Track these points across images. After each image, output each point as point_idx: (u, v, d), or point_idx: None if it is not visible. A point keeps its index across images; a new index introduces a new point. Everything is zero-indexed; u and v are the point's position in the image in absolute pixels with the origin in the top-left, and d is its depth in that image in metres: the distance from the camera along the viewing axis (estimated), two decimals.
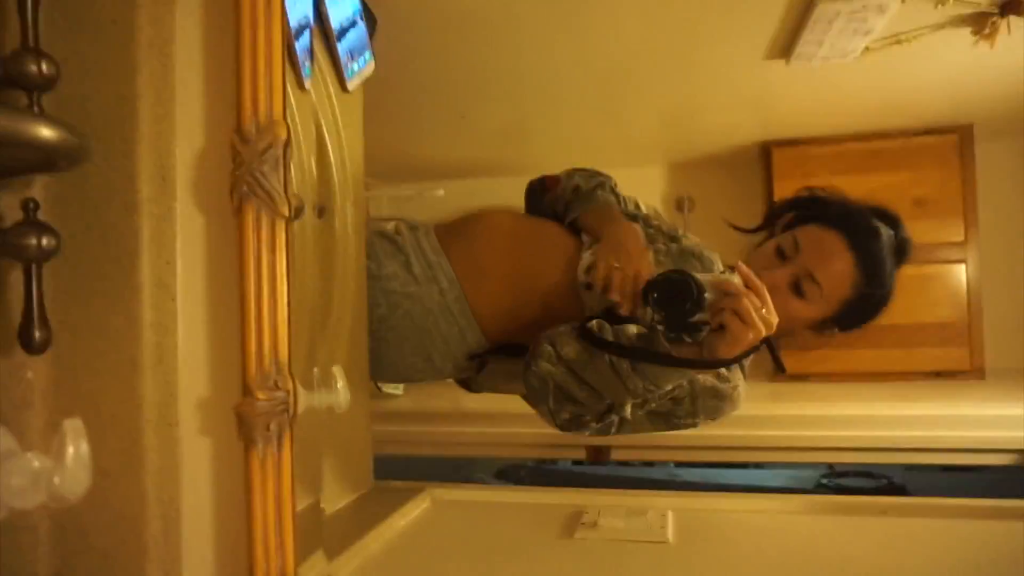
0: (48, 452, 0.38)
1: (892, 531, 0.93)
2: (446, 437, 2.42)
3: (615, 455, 2.42)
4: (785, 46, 1.74)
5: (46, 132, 0.40)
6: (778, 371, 1.04)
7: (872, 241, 0.97)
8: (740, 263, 0.87)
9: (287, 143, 0.51)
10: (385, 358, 1.08)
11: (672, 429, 1.02)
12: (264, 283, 0.49)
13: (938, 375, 2.57)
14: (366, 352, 1.00)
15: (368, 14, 1.09)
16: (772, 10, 1.58)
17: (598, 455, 2.38)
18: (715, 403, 0.99)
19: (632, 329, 0.93)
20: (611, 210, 1.10)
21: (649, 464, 2.85)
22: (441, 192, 2.83)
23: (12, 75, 0.44)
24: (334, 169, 0.95)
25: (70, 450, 0.37)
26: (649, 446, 2.31)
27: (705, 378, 0.97)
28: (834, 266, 0.96)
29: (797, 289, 0.96)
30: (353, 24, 1.03)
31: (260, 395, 0.49)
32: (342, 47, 1.00)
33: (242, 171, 0.49)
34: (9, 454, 0.38)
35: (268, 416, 0.49)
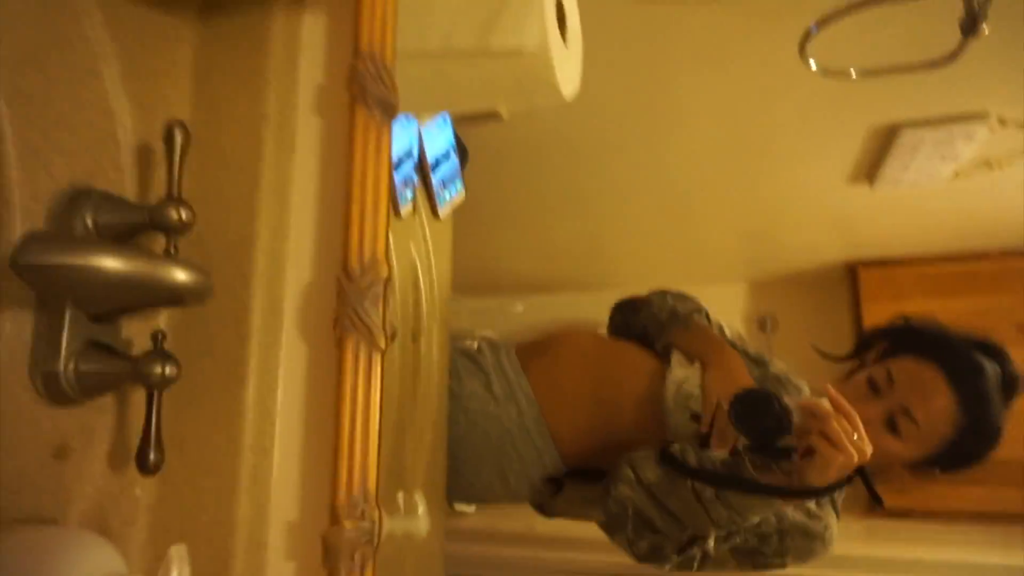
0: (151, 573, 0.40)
1: None
2: (518, 561, 2.34)
3: None
4: (869, 170, 1.74)
5: (181, 276, 0.44)
6: (876, 505, 0.98)
7: (975, 376, 0.91)
8: (828, 385, 0.85)
9: (388, 280, 0.54)
10: (461, 477, 1.08)
11: (758, 569, 0.97)
12: (359, 413, 0.52)
13: None
14: (444, 472, 1.00)
15: (461, 147, 1.17)
16: (854, 135, 1.60)
17: None
18: (805, 543, 0.94)
19: (718, 456, 0.91)
20: (713, 336, 1.09)
21: None
22: (520, 308, 2.88)
23: (156, 221, 0.50)
24: (423, 292, 1.00)
25: (174, 575, 0.39)
26: None
27: (794, 515, 0.92)
28: (933, 403, 0.91)
29: (892, 426, 0.91)
30: (447, 156, 1.11)
31: (347, 524, 0.50)
32: (436, 177, 1.07)
33: (346, 307, 0.53)
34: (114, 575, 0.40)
35: (354, 546, 0.50)
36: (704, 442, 0.93)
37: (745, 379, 1.01)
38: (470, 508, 2.53)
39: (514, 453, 1.07)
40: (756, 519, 0.88)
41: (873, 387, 0.94)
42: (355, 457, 0.51)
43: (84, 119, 0.54)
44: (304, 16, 0.64)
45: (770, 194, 2.04)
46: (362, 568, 0.51)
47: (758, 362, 1.07)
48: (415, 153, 1.02)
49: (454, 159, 1.13)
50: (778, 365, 1.08)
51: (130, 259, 0.42)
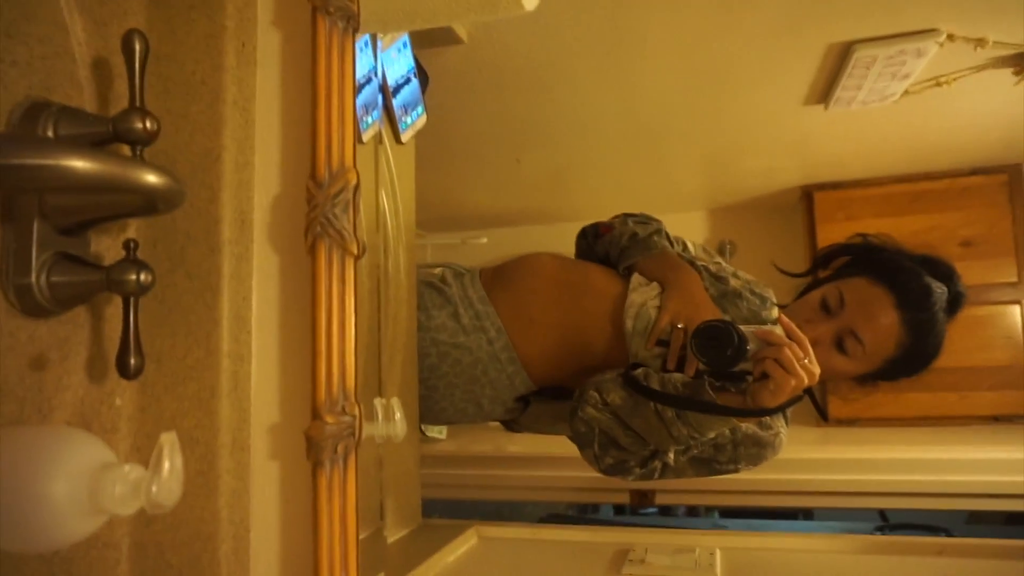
0: (144, 463, 0.42)
1: (950, 573, 0.91)
2: (489, 480, 2.42)
3: (659, 499, 2.39)
4: (823, 92, 1.77)
5: (152, 178, 0.45)
6: (821, 419, 1.04)
7: (923, 301, 0.95)
8: (782, 315, 0.89)
9: (356, 187, 0.55)
10: (435, 404, 1.12)
11: (713, 475, 1.03)
12: (334, 315, 0.54)
13: (996, 419, 2.49)
14: (416, 390, 1.04)
15: (421, 71, 1.16)
16: (809, 57, 1.61)
17: (642, 500, 2.36)
18: (756, 450, 1.00)
19: (678, 377, 0.95)
20: (672, 257, 1.12)
21: (694, 514, 2.79)
22: (485, 240, 2.90)
23: (120, 131, 0.50)
24: (388, 215, 1.01)
25: (166, 462, 0.41)
26: (694, 490, 2.28)
27: (747, 425, 0.98)
28: (879, 325, 0.95)
29: (840, 345, 0.96)
30: (407, 81, 1.10)
31: (329, 419, 0.53)
32: (397, 102, 1.07)
33: (316, 213, 0.54)
34: (110, 465, 0.42)
35: (336, 438, 0.53)
36: (665, 366, 0.98)
37: (702, 297, 1.05)
38: (441, 434, 2.61)
39: (485, 380, 1.11)
40: (713, 435, 0.94)
41: (825, 308, 0.98)
42: (333, 356, 0.53)
43: (37, 32, 0.53)
44: None
45: (729, 121, 2.06)
46: (345, 460, 0.53)
47: (718, 278, 1.11)
48: (376, 78, 1.01)
49: (415, 83, 1.12)
50: (741, 277, 1.12)
51: (100, 160, 0.42)
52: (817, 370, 0.85)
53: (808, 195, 2.74)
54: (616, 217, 1.23)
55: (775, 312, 1.07)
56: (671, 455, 0.98)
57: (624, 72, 1.72)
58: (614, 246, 1.18)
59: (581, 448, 1.02)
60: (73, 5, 0.56)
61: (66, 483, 0.40)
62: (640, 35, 1.54)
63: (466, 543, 1.07)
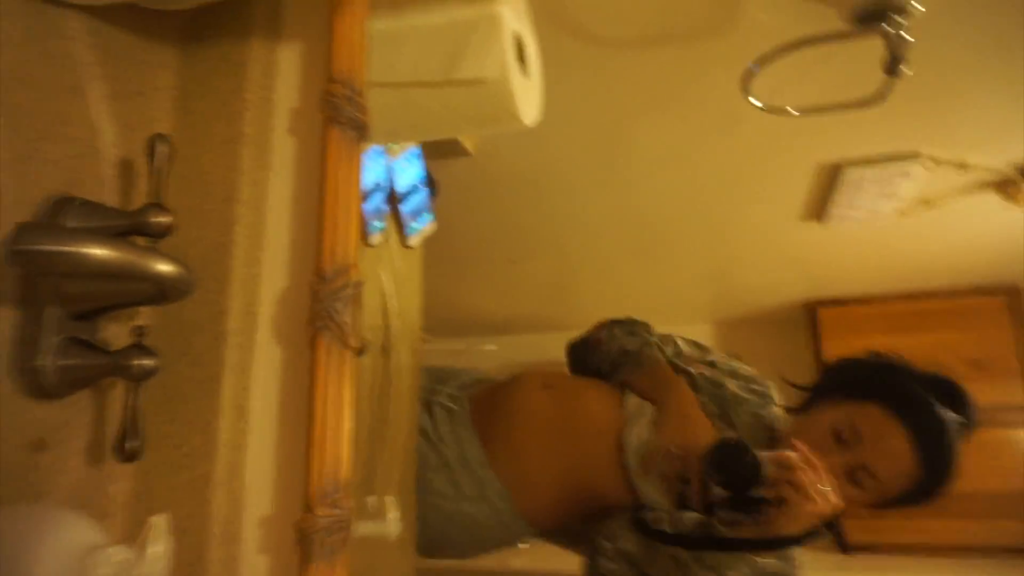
0: (132, 546, 0.42)
1: None
2: None
3: None
4: (818, 208, 1.83)
5: (164, 267, 0.47)
6: (842, 550, 1.00)
7: (939, 438, 0.92)
8: (796, 441, 0.89)
9: (358, 284, 0.58)
10: (437, 549, 1.08)
11: None
12: (330, 407, 0.55)
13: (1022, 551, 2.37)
14: (413, 490, 1.02)
15: (431, 180, 1.22)
16: (800, 175, 1.68)
17: None
18: (778, 568, 0.95)
19: (689, 517, 0.93)
20: (663, 374, 1.10)
21: None
22: (492, 347, 2.92)
23: (138, 224, 0.54)
24: (392, 316, 1.03)
25: (151, 546, 0.41)
26: None
27: (766, 561, 0.92)
28: (895, 464, 0.93)
29: (852, 478, 0.94)
30: (416, 188, 1.15)
31: (320, 511, 0.53)
32: (405, 208, 1.11)
33: (319, 307, 0.56)
34: (95, 547, 0.42)
35: (327, 532, 0.52)
36: (679, 502, 0.95)
37: (697, 419, 1.02)
38: None
39: (491, 539, 1.11)
40: (734, 573, 0.89)
41: (838, 437, 0.96)
42: (327, 448, 0.54)
43: (68, 133, 0.58)
44: (280, 45, 0.69)
45: (729, 233, 2.12)
46: (334, 555, 0.53)
47: (715, 384, 1.09)
48: (385, 185, 1.06)
49: (423, 191, 1.18)
50: (736, 379, 1.09)
51: (117, 248, 0.45)
52: (835, 499, 0.84)
53: (812, 311, 2.76)
54: (602, 327, 1.21)
55: (776, 410, 1.05)
56: None
57: (624, 184, 1.79)
58: (605, 361, 1.16)
59: None
60: (105, 109, 0.61)
61: (54, 563, 0.40)
62: (637, 149, 1.62)
63: None
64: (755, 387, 1.07)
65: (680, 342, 1.17)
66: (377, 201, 1.00)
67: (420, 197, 1.16)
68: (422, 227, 1.17)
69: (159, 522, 0.41)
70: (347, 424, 0.56)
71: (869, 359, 1.06)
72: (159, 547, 0.41)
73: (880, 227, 1.91)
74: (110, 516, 0.57)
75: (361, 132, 0.63)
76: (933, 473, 0.93)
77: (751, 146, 1.54)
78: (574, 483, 1.06)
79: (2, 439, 0.50)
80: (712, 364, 1.12)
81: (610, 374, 1.14)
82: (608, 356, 1.16)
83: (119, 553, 0.41)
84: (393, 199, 1.09)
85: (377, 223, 0.99)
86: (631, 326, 1.19)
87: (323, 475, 0.55)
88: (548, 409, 1.11)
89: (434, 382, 1.20)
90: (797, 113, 1.12)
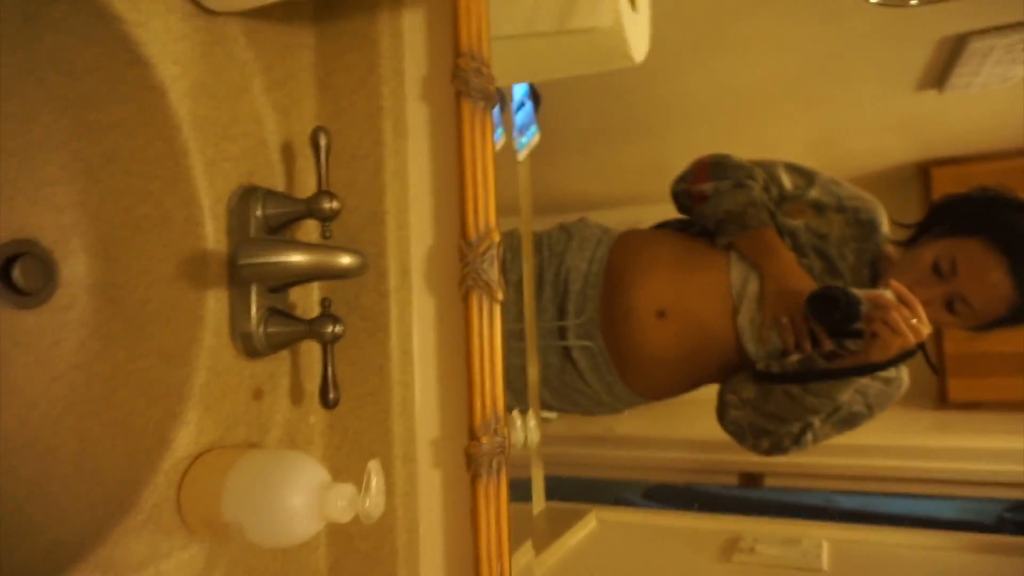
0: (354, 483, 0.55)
1: None
2: (598, 460, 2.52)
3: (769, 482, 2.41)
4: (937, 78, 1.72)
5: (346, 260, 0.57)
6: (932, 372, 1.09)
7: None
8: (893, 281, 0.96)
9: (499, 243, 0.66)
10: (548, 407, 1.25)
11: (852, 427, 1.10)
12: (486, 352, 0.65)
13: None
14: (537, 387, 1.15)
15: (534, 91, 1.25)
16: (920, 51, 1.58)
17: (751, 483, 2.39)
18: (886, 400, 1.06)
19: (794, 358, 1.05)
20: (766, 240, 1.15)
21: (805, 490, 2.78)
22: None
23: (312, 210, 0.63)
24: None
25: (374, 481, 0.53)
26: (805, 474, 2.29)
27: (870, 383, 1.05)
28: (992, 294, 0.98)
29: (950, 307, 1.00)
30: (522, 104, 1.19)
31: (484, 439, 0.64)
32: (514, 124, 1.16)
33: (468, 268, 0.65)
34: (331, 483, 0.54)
35: (491, 455, 0.64)
36: (784, 353, 1.06)
37: (800, 283, 1.09)
38: (552, 415, 2.72)
39: (602, 411, 1.30)
40: (843, 396, 1.03)
41: (937, 271, 1.01)
42: (486, 387, 0.65)
43: (242, 130, 0.66)
44: (404, 15, 0.73)
45: (836, 104, 2.03)
46: (499, 472, 0.65)
47: (820, 236, 1.13)
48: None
49: (529, 105, 1.21)
50: (842, 212, 1.14)
51: (311, 252, 0.55)
52: (927, 330, 0.93)
53: (925, 171, 2.63)
54: (705, 174, 1.25)
55: (881, 238, 1.10)
56: (817, 424, 1.07)
57: (725, 70, 1.74)
58: (710, 219, 1.21)
59: (739, 443, 1.13)
60: (265, 101, 0.69)
61: (302, 497, 0.53)
62: (744, 34, 1.56)
63: (586, 527, 1.18)
64: (861, 216, 1.12)
65: (784, 178, 1.22)
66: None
67: (526, 112, 1.21)
68: (529, 141, 1.22)
69: (375, 465, 0.53)
70: (500, 365, 0.66)
71: (974, 193, 1.10)
72: (378, 483, 0.53)
73: (1004, 89, 1.79)
74: (312, 443, 0.71)
75: (489, 100, 0.68)
76: None
77: (865, 27, 1.46)
78: (696, 375, 1.20)
79: (233, 393, 0.63)
80: (818, 206, 1.16)
81: (715, 232, 1.20)
82: (713, 215, 1.21)
83: (349, 489, 0.53)
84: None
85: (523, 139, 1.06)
86: (736, 175, 1.23)
87: (484, 409, 0.66)
88: (670, 340, 1.20)
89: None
90: (916, 2, 1.06)
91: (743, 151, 2.54)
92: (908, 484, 2.23)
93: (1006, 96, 1.91)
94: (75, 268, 0.63)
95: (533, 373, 1.05)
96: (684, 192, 1.29)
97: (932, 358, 1.06)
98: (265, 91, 0.69)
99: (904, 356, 0.96)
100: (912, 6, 1.09)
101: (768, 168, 1.22)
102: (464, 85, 0.66)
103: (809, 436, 1.09)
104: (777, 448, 1.12)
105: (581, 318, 1.22)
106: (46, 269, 0.61)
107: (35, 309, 0.62)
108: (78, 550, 0.55)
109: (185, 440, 0.59)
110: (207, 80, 0.62)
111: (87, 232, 0.62)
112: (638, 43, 0.76)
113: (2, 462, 0.60)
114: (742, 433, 1.12)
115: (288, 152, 0.71)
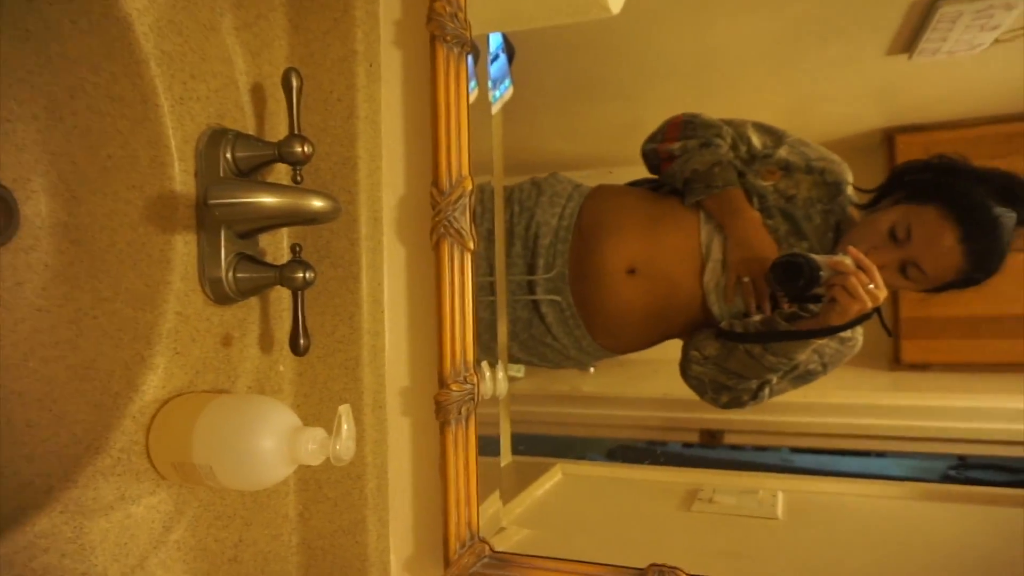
0: (324, 428, 0.55)
1: None
2: (564, 418, 2.56)
3: (728, 439, 2.48)
4: (907, 43, 1.73)
5: (318, 203, 0.56)
6: (887, 334, 1.14)
7: (990, 233, 1.00)
8: (851, 248, 0.99)
9: (472, 192, 0.66)
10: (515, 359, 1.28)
11: (807, 383, 1.15)
12: (456, 301, 0.65)
13: None
14: (506, 341, 1.16)
15: (508, 45, 1.23)
16: (891, 11, 1.59)
17: (711, 439, 2.46)
18: (837, 348, 1.10)
19: (756, 318, 1.09)
20: (732, 200, 1.18)
21: (762, 448, 2.87)
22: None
23: (283, 154, 0.62)
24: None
25: (344, 425, 0.53)
26: (763, 431, 2.36)
27: (830, 345, 1.08)
28: (942, 261, 1.01)
29: (903, 271, 1.03)
30: (496, 57, 1.18)
31: (454, 387, 0.65)
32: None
33: (440, 216, 0.64)
34: (301, 427, 0.55)
35: (460, 403, 0.65)
36: (744, 313, 1.09)
37: (763, 244, 1.12)
38: (519, 373, 2.75)
39: (567, 361, 1.31)
40: (801, 356, 1.07)
41: (893, 236, 1.04)
42: (456, 335, 0.65)
43: (211, 69, 0.64)
44: None
45: (806, 69, 2.03)
46: (467, 419, 0.66)
47: (786, 198, 1.17)
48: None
49: (503, 58, 1.20)
50: (809, 174, 1.19)
51: (283, 194, 0.54)
52: (883, 294, 0.97)
53: (890, 138, 2.67)
54: (674, 134, 1.29)
55: (846, 199, 1.13)
56: (774, 381, 1.13)
57: (704, 26, 1.73)
58: (676, 179, 1.24)
59: (700, 396, 1.17)
60: (234, 41, 0.67)
61: (273, 440, 0.53)
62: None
63: (552, 479, 1.20)
64: (828, 177, 1.17)
65: (754, 137, 1.25)
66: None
67: (499, 64, 1.19)
68: (502, 95, 1.21)
69: (346, 409, 0.53)
70: (470, 314, 0.67)
71: (932, 161, 1.15)
72: (348, 427, 0.53)
73: (972, 57, 1.81)
74: (281, 391, 0.71)
75: (464, 47, 0.67)
76: (980, 269, 1.01)
77: None
78: (662, 330, 1.22)
79: (202, 339, 0.63)
80: (786, 166, 1.20)
81: (683, 191, 1.23)
82: (680, 174, 1.24)
83: (320, 433, 0.54)
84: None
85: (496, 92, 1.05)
86: (704, 134, 1.26)
87: (454, 357, 0.67)
88: (639, 297, 1.22)
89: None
90: None
91: (716, 113, 2.55)
92: (862, 441, 2.32)
93: (972, 64, 1.94)
94: (37, 208, 0.61)
95: (503, 327, 1.06)
96: (653, 151, 1.31)
97: (887, 321, 1.10)
98: (235, 30, 0.67)
99: (861, 319, 1.01)
100: None
101: (737, 127, 1.25)
102: (439, 29, 0.65)
103: (766, 392, 1.14)
104: (735, 402, 1.17)
105: (550, 273, 1.24)
106: (6, 208, 0.59)
107: None
108: (46, 492, 0.55)
109: (153, 385, 0.58)
110: (174, 15, 0.60)
111: (49, 171, 0.61)
112: None
113: None
114: (703, 388, 1.16)
115: (258, 95, 0.69)
